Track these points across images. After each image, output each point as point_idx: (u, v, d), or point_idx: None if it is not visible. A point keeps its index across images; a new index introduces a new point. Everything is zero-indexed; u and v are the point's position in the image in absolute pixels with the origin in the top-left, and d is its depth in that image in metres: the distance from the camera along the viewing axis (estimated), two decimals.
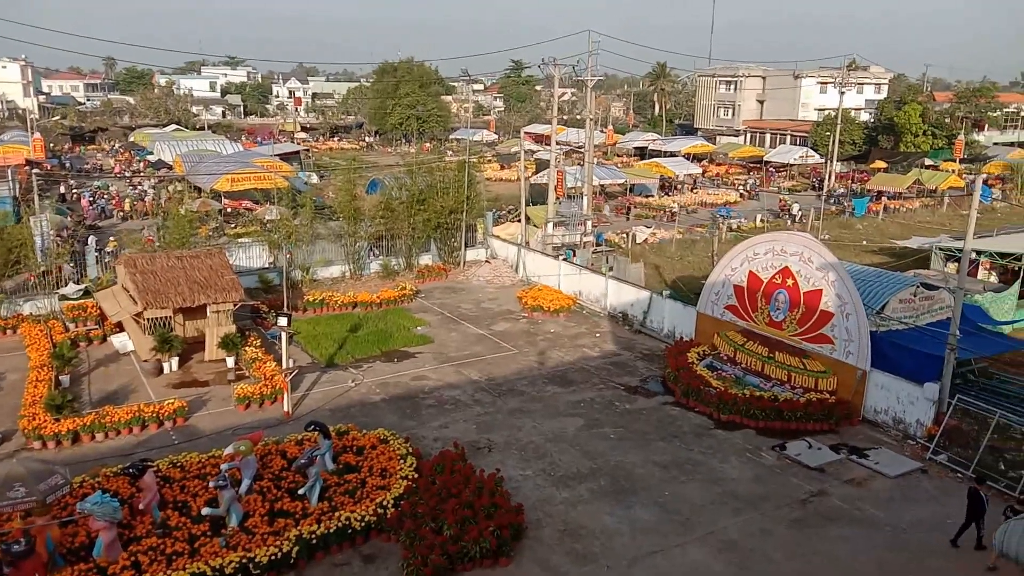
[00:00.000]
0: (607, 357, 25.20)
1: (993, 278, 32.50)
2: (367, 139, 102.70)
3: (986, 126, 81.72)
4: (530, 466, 17.76)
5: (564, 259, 33.25)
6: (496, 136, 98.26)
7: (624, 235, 42.41)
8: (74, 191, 51.77)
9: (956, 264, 29.43)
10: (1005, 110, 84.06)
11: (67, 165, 65.15)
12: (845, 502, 16.54)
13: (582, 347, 26.05)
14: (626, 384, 22.87)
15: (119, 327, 24.99)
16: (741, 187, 63.88)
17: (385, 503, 15.15)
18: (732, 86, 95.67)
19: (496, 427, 19.75)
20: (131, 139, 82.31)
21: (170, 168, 55.85)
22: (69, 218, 41.46)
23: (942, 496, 16.85)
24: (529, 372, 23.65)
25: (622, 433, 19.59)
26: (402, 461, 16.75)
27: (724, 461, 18.24)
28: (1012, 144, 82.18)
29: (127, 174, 60.11)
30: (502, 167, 71.27)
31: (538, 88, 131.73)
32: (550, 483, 17.05)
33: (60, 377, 21.41)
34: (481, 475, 16.04)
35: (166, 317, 23.22)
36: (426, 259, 35.10)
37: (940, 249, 34.08)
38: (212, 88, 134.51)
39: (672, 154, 72.99)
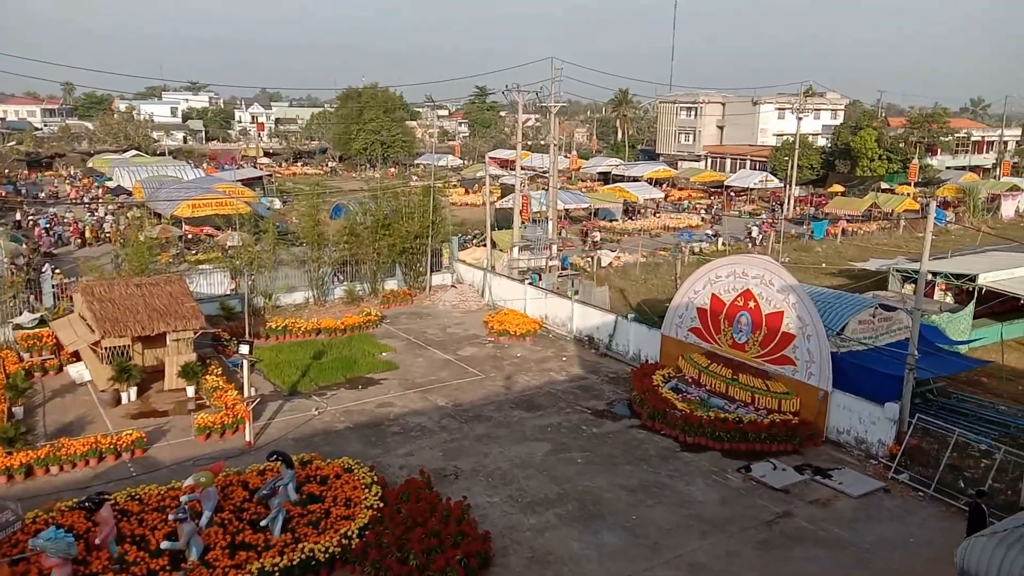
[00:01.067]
0: (574, 381, 25.21)
1: (949, 299, 33.27)
2: (331, 164, 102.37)
3: (939, 151, 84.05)
4: (497, 492, 17.62)
5: (530, 283, 33.33)
6: (461, 161, 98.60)
7: (589, 259, 42.68)
8: (30, 218, 50.71)
9: (913, 285, 30.04)
10: (956, 135, 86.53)
11: (23, 192, 63.87)
12: (810, 523, 16.65)
13: (549, 371, 26.05)
14: (593, 408, 22.87)
15: (76, 356, 24.41)
16: (703, 211, 64.90)
17: (350, 533, 14.89)
18: (692, 112, 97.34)
19: (463, 454, 19.59)
20: (90, 165, 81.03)
21: (129, 194, 55.05)
22: (24, 246, 40.56)
23: (905, 515, 17.05)
24: (496, 397, 23.55)
25: (589, 457, 19.56)
26: (367, 490, 16.51)
27: (690, 484, 18.29)
28: (964, 168, 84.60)
29: (85, 200, 59.10)
30: (467, 191, 71.47)
31: (502, 114, 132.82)
32: (517, 509, 16.92)
33: (13, 408, 20.77)
34: (448, 503, 15.87)
35: (124, 346, 22.73)
36: (391, 284, 34.92)
37: (897, 271, 34.81)
38: (173, 113, 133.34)
39: (635, 179, 73.93)
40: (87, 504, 14.70)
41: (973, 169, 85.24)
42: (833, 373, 20.42)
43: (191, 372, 22.65)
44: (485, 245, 38.08)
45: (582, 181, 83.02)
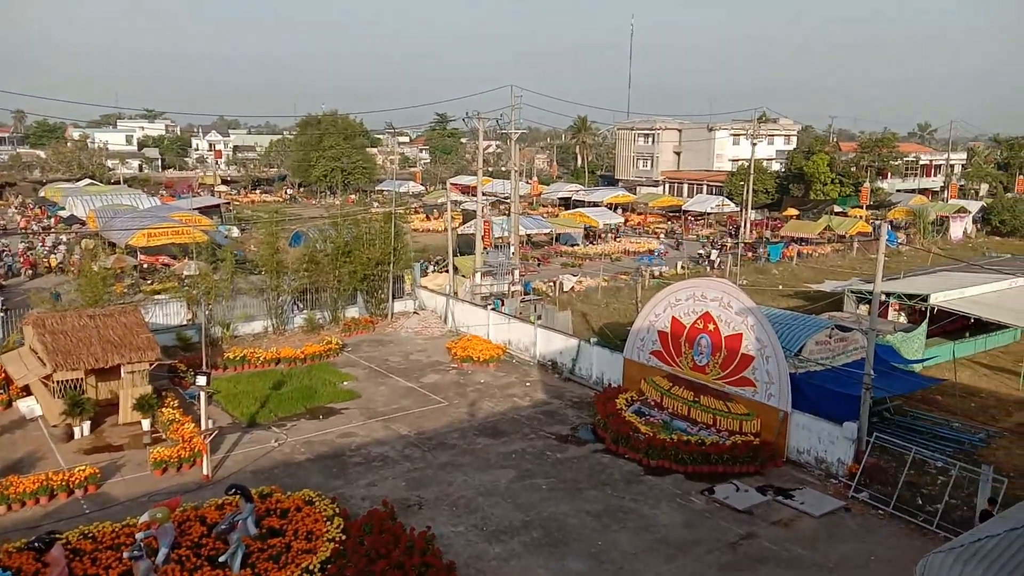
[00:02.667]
0: (538, 406, 25.18)
1: (903, 319, 34.02)
2: (290, 191, 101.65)
3: (889, 174, 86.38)
4: (462, 521, 17.45)
5: (493, 309, 33.33)
6: (423, 187, 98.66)
7: (551, 283, 42.87)
8: None
9: (867, 306, 30.69)
10: (905, 159, 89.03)
11: None
12: (774, 543, 16.76)
13: (512, 397, 25.98)
14: (557, 433, 22.84)
15: (26, 391, 23.72)
16: (662, 236, 65.78)
17: (312, 567, 14.60)
18: (650, 139, 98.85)
19: (426, 483, 19.39)
20: (42, 194, 79.35)
21: (83, 224, 54.00)
22: None
23: (866, 533, 17.26)
24: (460, 424, 23.40)
25: (554, 483, 19.49)
26: (329, 523, 16.23)
27: (655, 507, 18.31)
28: (913, 191, 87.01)
29: (34, 228, 57.80)
30: (428, 217, 71.48)
31: (463, 140, 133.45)
32: (482, 538, 16.76)
33: None
34: (411, 533, 15.65)
35: (77, 379, 22.16)
36: (352, 312, 34.64)
37: (852, 292, 35.53)
38: (129, 141, 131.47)
39: (595, 204, 74.64)
40: (37, 544, 14.20)
41: (922, 192, 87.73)
42: (792, 394, 20.68)
43: (147, 405, 22.12)
44: (447, 271, 38.03)
45: (543, 206, 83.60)
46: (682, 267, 49.51)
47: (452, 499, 18.52)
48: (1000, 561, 11.26)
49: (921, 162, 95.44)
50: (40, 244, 51.28)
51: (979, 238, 69.95)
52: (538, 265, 50.09)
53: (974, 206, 74.65)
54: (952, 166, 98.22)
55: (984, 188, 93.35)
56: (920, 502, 18.34)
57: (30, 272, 44.24)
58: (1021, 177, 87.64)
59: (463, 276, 38.13)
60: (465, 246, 44.50)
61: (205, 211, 58.81)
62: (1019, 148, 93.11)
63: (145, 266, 43.52)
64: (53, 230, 56.23)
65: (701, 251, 54.74)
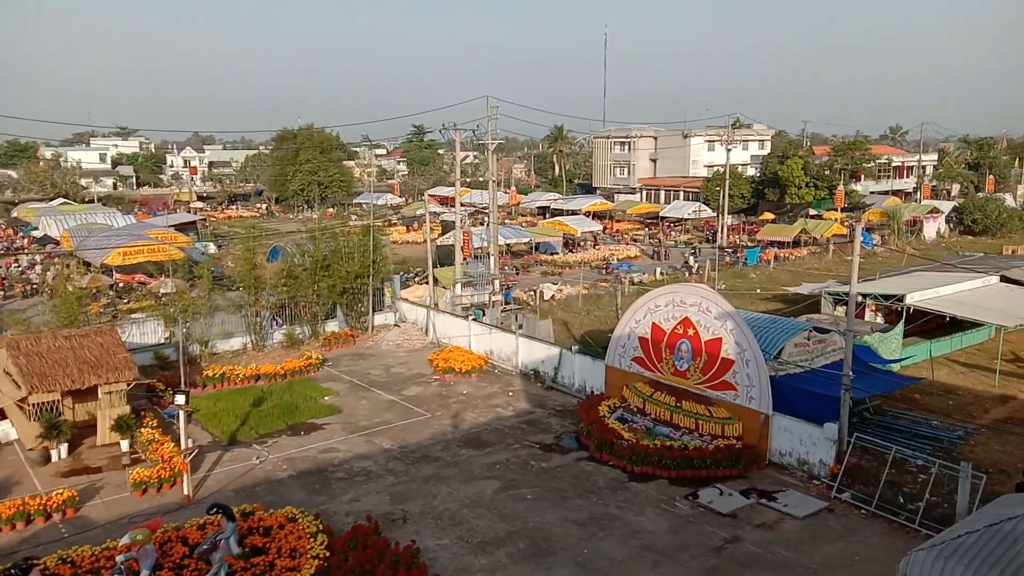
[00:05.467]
0: (521, 416, 25.15)
1: (879, 319, 34.36)
2: (266, 206, 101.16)
3: (862, 177, 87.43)
4: (447, 534, 17.36)
5: (474, 319, 33.28)
6: (401, 199, 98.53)
7: (532, 292, 42.90)
8: None
9: (844, 307, 30.98)
10: (878, 161, 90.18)
11: None
12: (758, 546, 16.83)
13: (496, 407, 25.94)
14: (541, 442, 22.81)
15: (1, 414, 23.33)
16: (642, 244, 66.10)
17: None
18: (626, 146, 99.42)
19: (410, 496, 19.28)
20: (14, 215, 78.39)
21: (57, 244, 53.40)
22: None
23: (849, 533, 17.37)
24: (443, 436, 23.31)
25: (539, 493, 19.46)
26: (312, 539, 16.10)
27: (640, 514, 18.33)
28: (886, 192, 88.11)
29: (9, 249, 57.07)
30: (407, 229, 71.39)
31: (441, 151, 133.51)
32: (468, 551, 16.69)
33: None
34: (397, 548, 15.57)
35: (54, 401, 21.87)
36: (332, 326, 34.45)
37: (829, 294, 35.85)
38: (102, 159, 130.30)
39: (573, 212, 74.90)
40: (13, 572, 13.98)
41: (895, 193, 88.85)
42: (773, 396, 20.81)
43: (125, 426, 21.83)
44: (427, 283, 37.96)
45: (522, 216, 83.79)
46: (661, 273, 49.75)
47: (437, 512, 18.43)
48: (980, 557, 11.39)
49: (893, 164, 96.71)
50: (12, 265, 50.58)
51: (952, 238, 70.94)
52: (517, 274, 50.12)
53: (946, 206, 75.69)
54: (924, 167, 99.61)
55: (956, 188, 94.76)
56: (902, 500, 18.49)
57: (1, 293, 43.62)
58: (991, 177, 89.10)
59: (443, 287, 38.06)
60: (444, 257, 44.41)
61: (181, 228, 58.39)
62: (988, 148, 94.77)
63: (121, 285, 43.05)
64: (27, 251, 55.52)
65: (688, 258, 54.65)
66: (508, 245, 55.82)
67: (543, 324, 33.45)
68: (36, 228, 63.28)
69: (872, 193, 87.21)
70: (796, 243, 61.92)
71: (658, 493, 19.42)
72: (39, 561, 14.72)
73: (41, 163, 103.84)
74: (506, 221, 69.98)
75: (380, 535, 16.32)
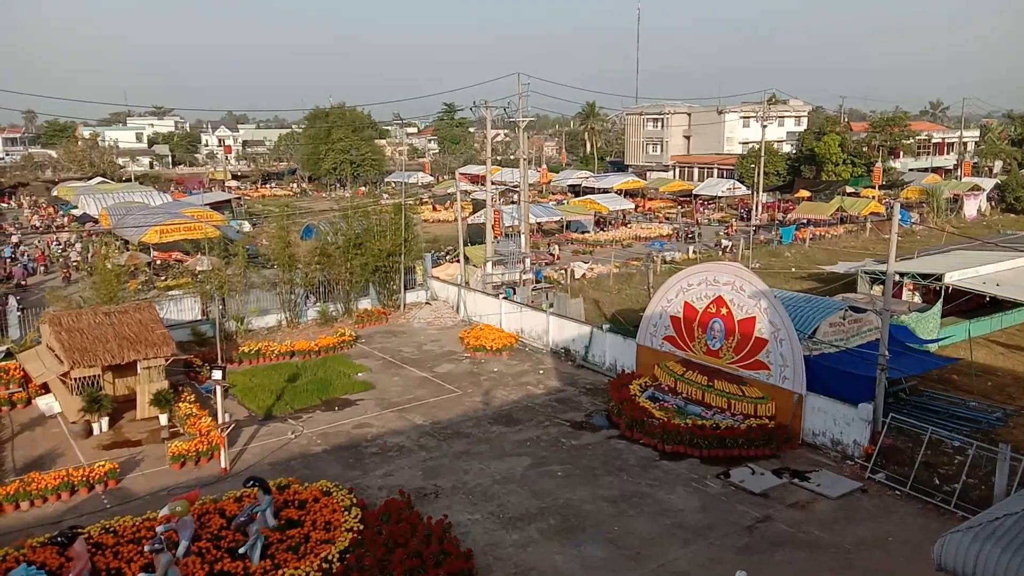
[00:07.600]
0: (551, 394, 25.22)
1: (917, 298, 33.80)
2: (300, 185, 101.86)
3: (901, 153, 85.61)
4: (478, 509, 17.53)
5: (504, 298, 33.33)
6: (432, 178, 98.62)
7: (563, 271, 42.82)
8: None
9: (881, 287, 30.50)
10: (917, 138, 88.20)
11: None
12: (790, 526, 16.76)
13: (526, 385, 26.03)
14: (571, 420, 22.88)
15: (45, 388, 23.98)
16: (679, 218, 65.46)
17: (330, 557, 14.72)
18: (659, 123, 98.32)
19: (442, 472, 19.49)
20: (54, 193, 79.94)
21: (96, 222, 54.36)
22: None
23: (883, 514, 17.22)
24: (474, 413, 23.48)
25: (569, 470, 19.54)
26: (346, 513, 16.36)
27: (671, 492, 18.33)
28: (926, 170, 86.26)
29: (50, 227, 58.25)
30: (435, 208, 71.48)
31: (471, 130, 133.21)
32: (499, 526, 16.85)
33: None
34: (428, 522, 15.77)
35: (94, 376, 22.38)
36: (365, 303, 34.74)
37: (865, 273, 35.32)
38: (139, 139, 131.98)
39: (605, 190, 74.40)
40: (60, 539, 14.43)
41: (935, 171, 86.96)
42: (807, 376, 20.62)
43: (163, 400, 22.32)
44: (458, 261, 38.06)
45: (553, 194, 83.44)
46: (694, 252, 49.32)
47: (468, 487, 18.61)
48: (1018, 540, 11.22)
49: (934, 140, 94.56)
50: (55, 242, 51.65)
51: (994, 216, 69.33)
52: (551, 254, 49.95)
53: (988, 184, 73.96)
54: (965, 144, 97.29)
55: (998, 165, 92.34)
56: (937, 482, 18.27)
57: (44, 269, 44.60)
58: None
59: (474, 265, 38.15)
60: (475, 236, 44.43)
61: (216, 206, 59.06)
62: None
63: (158, 262, 43.78)
64: (67, 228, 56.63)
65: (721, 238, 53.99)
66: (539, 223, 55.67)
67: (574, 303, 33.41)
68: (75, 207, 64.44)
69: (911, 170, 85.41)
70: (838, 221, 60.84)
71: (689, 472, 19.40)
72: (84, 530, 15.14)
73: (80, 143, 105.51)
74: (537, 199, 69.72)
75: (412, 509, 16.54)
